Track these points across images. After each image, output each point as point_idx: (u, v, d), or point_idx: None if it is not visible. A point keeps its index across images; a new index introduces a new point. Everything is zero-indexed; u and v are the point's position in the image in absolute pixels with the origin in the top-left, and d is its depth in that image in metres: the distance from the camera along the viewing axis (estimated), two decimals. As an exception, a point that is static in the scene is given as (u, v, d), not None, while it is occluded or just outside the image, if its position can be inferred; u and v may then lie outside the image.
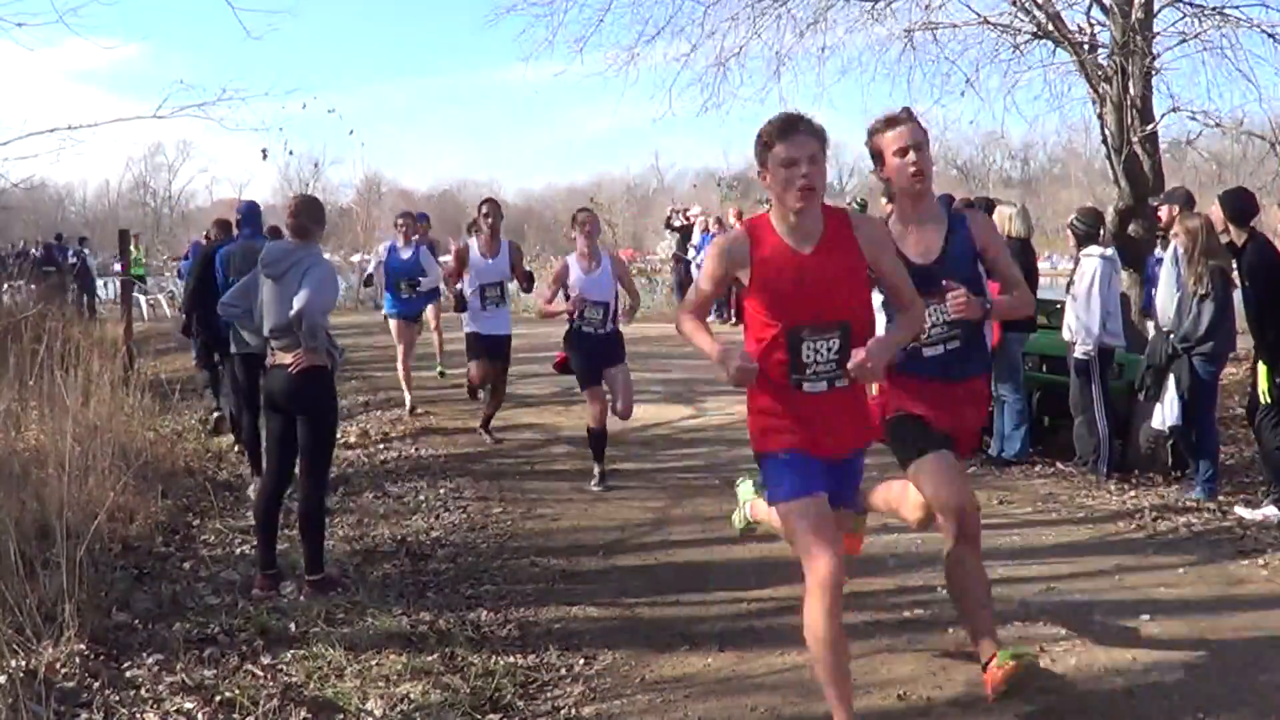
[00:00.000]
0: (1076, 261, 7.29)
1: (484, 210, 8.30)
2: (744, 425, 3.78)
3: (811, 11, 11.11)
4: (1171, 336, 6.54)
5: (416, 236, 10.70)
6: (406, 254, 10.29)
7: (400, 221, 10.62)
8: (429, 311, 11.15)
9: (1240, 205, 6.44)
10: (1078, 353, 7.07)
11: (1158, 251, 7.99)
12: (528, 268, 8.87)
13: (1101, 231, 7.49)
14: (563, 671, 4.21)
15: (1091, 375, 7.04)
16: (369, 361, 12.78)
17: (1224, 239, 6.46)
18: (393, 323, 10.23)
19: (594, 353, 7.06)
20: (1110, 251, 7.36)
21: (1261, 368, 6.23)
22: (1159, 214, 7.43)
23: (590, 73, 13.39)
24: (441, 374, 11.40)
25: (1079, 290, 7.07)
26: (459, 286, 8.38)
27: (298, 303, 4.94)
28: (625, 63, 11.80)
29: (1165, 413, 6.54)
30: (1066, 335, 7.20)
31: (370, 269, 11.17)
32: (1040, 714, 3.69)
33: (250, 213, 8.21)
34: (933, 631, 4.44)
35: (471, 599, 5.08)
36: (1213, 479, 6.52)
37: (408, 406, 9.80)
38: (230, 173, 70.64)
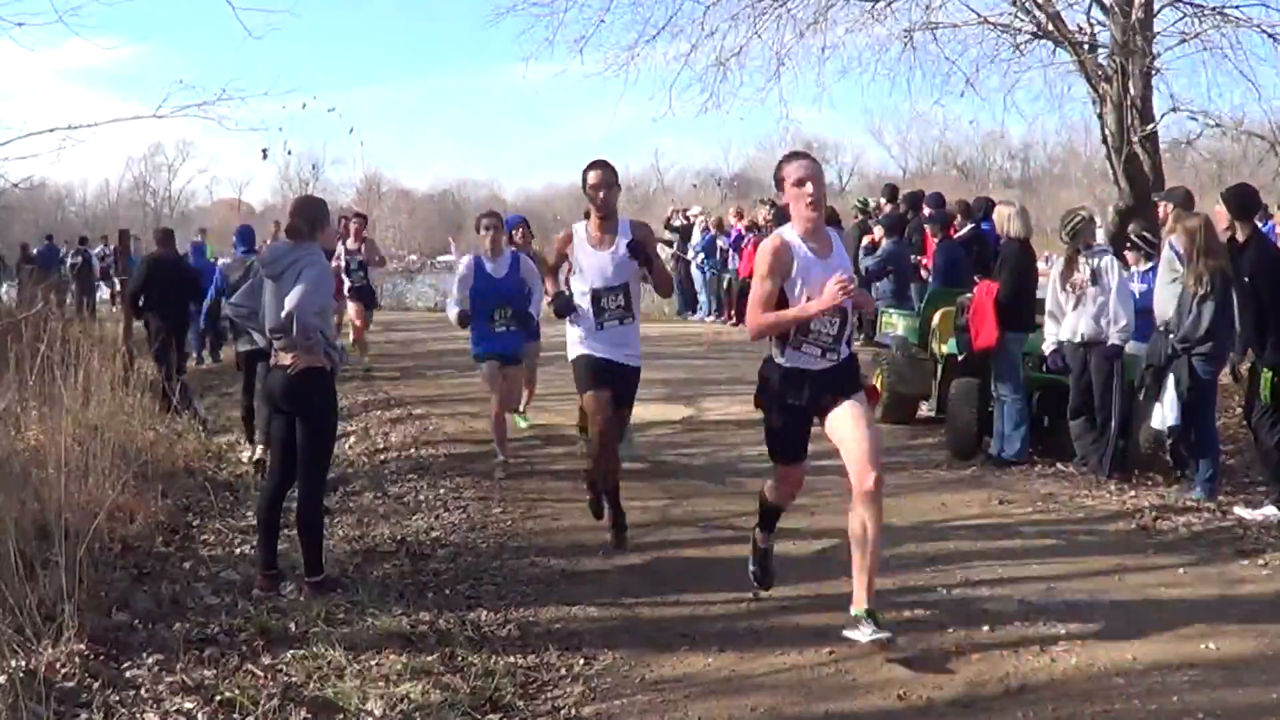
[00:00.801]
0: (1070, 260, 7.22)
1: (591, 180, 5.50)
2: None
3: (811, 11, 11.15)
4: (1171, 337, 6.54)
5: (510, 245, 7.81)
6: (499, 269, 7.47)
7: (485, 223, 7.58)
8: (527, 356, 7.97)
9: (1244, 200, 6.44)
10: (1114, 339, 6.95)
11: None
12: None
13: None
14: (563, 671, 4.22)
15: (1114, 368, 6.97)
16: (370, 360, 12.74)
17: (1224, 236, 6.46)
18: (484, 366, 7.57)
19: (809, 404, 4.31)
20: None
21: (1266, 373, 6.21)
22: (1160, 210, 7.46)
23: (590, 73, 13.40)
24: (524, 424, 8.90)
25: (1108, 284, 6.97)
26: (563, 290, 5.94)
27: (289, 302, 4.98)
28: (625, 63, 11.81)
29: (1165, 413, 6.53)
30: (1087, 331, 7.04)
31: (455, 297, 7.62)
32: (1040, 714, 3.69)
33: (244, 234, 9.43)
34: (933, 631, 4.43)
35: (471, 599, 5.08)
36: (1213, 479, 6.51)
37: (499, 461, 7.50)
38: (230, 173, 70.78)
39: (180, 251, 12.22)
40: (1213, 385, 6.63)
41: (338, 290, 11.96)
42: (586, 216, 5.69)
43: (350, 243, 12.31)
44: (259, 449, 7.76)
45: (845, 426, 4.21)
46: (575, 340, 5.65)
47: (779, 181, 4.33)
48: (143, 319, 10.46)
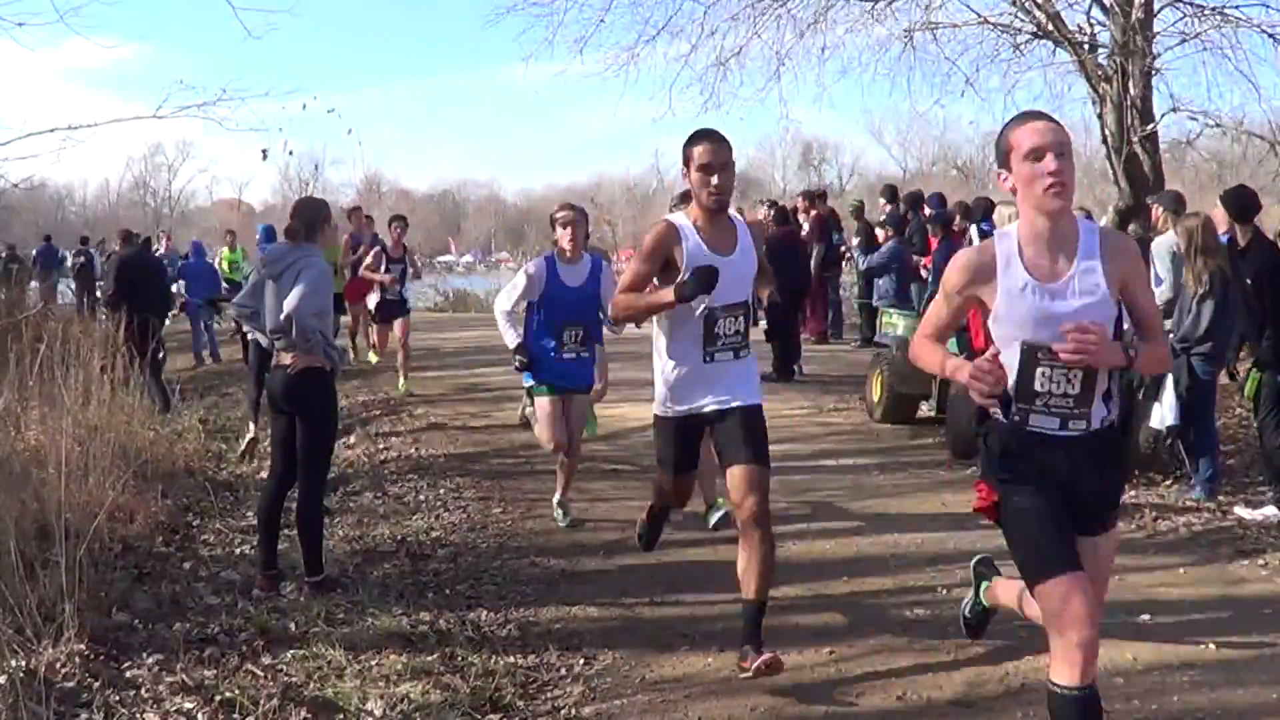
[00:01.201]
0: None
1: (699, 158, 4.02)
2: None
3: (811, 11, 11.09)
4: (1170, 336, 6.54)
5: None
6: (576, 276, 5.83)
7: (562, 216, 5.85)
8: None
9: (1243, 202, 6.44)
10: None
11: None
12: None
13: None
14: (563, 671, 4.22)
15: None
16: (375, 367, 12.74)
17: (1224, 238, 6.46)
18: (543, 402, 5.99)
19: (1068, 481, 3.04)
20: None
21: (1254, 373, 6.22)
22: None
23: (590, 73, 13.34)
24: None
25: None
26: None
27: (287, 305, 5.00)
28: (625, 63, 11.75)
29: (1164, 413, 6.53)
30: None
31: (505, 313, 6.03)
32: (1040, 714, 3.68)
33: (268, 233, 10.76)
34: (933, 631, 4.43)
35: (471, 599, 5.08)
36: (1213, 479, 6.51)
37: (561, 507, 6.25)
38: (230, 173, 71.17)
39: (181, 251, 12.35)
40: (1212, 385, 6.64)
41: (362, 294, 11.82)
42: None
43: (392, 250, 11.40)
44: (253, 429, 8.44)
45: (1088, 565, 2.94)
46: (666, 384, 4.08)
47: (1004, 155, 2.89)
48: (135, 321, 10.32)
